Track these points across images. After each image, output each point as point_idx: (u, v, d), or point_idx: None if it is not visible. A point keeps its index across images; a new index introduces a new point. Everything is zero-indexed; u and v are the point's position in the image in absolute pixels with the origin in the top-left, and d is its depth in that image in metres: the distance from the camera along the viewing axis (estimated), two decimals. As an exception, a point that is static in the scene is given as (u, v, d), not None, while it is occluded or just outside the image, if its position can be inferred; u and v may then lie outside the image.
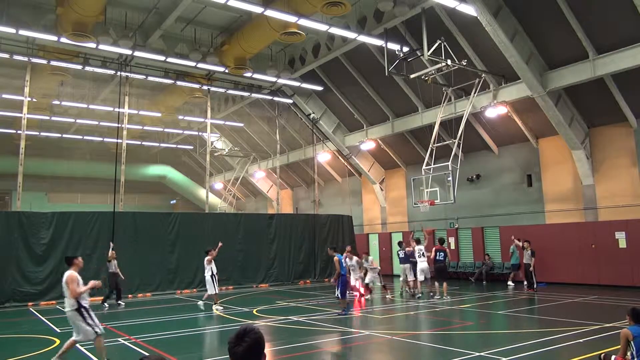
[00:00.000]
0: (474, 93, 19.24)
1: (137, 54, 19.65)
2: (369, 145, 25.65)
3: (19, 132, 20.94)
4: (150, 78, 22.82)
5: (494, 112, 19.63)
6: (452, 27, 18.15)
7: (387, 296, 16.95)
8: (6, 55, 19.21)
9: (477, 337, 10.31)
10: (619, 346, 6.50)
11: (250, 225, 22.70)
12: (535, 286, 17.54)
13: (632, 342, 6.29)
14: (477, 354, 8.28)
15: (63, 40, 17.75)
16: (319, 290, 20.00)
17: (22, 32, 17.22)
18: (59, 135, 31.63)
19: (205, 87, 24.45)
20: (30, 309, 16.19)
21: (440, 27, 17.86)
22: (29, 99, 20.72)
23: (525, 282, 18.28)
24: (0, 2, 17.02)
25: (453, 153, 18.86)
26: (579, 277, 18.39)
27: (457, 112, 20.43)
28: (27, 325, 13.07)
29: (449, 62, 16.96)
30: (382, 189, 27.95)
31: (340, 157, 28.44)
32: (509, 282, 19.53)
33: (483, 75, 19.12)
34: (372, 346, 9.95)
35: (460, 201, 21.09)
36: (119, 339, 10.47)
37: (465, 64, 17.46)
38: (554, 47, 17.24)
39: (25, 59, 19.64)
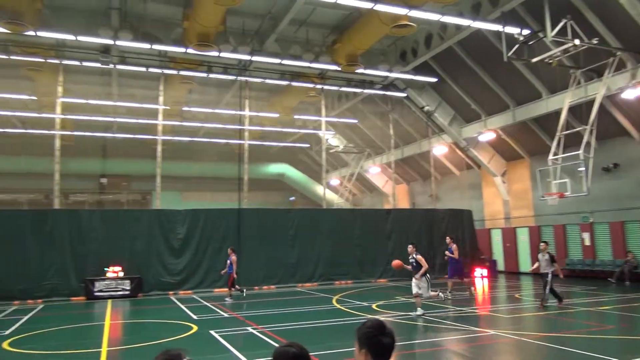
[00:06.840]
0: (608, 74, 17.47)
1: (254, 58, 20.75)
2: (488, 136, 24.51)
3: (156, 137, 23.07)
4: (267, 81, 23.93)
5: (632, 93, 17.72)
6: (579, 3, 16.62)
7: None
8: (143, 69, 21.35)
9: (619, 342, 9.41)
10: None
11: (367, 221, 22.85)
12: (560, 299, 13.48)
13: None
14: (620, 360, 7.55)
15: (190, 51, 19.28)
16: (437, 287, 19.51)
17: (155, 46, 19.07)
18: (190, 139, 34.37)
19: (318, 86, 25.04)
20: (171, 297, 17.89)
21: (564, 4, 16.46)
22: (164, 107, 22.79)
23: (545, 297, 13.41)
24: (136, 21, 18.91)
25: (585, 141, 17.33)
26: None
27: (588, 95, 18.68)
28: (169, 312, 14.44)
29: (576, 41, 15.63)
30: (504, 182, 26.52)
31: (457, 150, 27.48)
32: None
33: (618, 53, 17.26)
34: (498, 346, 9.49)
35: (595, 193, 19.25)
36: (248, 328, 11.14)
37: (596, 42, 15.96)
38: None
39: (159, 70, 21.65)
